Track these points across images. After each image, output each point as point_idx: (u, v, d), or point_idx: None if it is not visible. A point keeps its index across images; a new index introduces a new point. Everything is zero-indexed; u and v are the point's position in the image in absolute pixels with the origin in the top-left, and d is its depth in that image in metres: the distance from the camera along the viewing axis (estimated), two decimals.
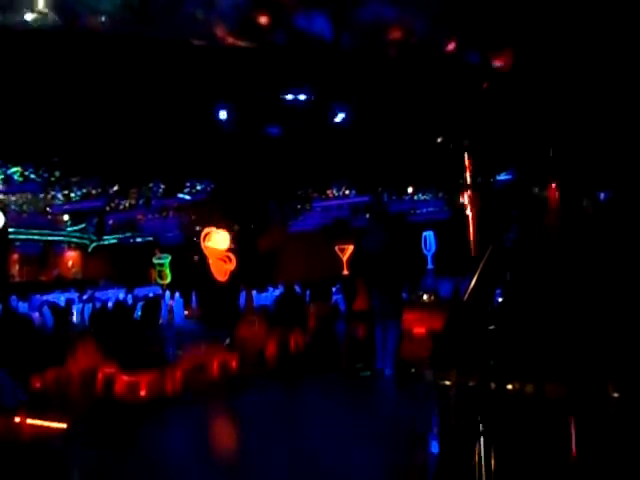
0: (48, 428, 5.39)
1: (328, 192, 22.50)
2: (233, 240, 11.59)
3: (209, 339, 8.05)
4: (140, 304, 10.07)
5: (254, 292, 12.26)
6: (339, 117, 12.08)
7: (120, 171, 19.11)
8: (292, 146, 15.03)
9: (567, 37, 6.41)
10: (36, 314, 9.15)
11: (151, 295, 13.97)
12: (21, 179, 19.39)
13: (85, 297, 13.62)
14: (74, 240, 23.09)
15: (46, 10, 5.11)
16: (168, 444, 5.17)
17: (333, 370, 7.96)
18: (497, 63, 6.94)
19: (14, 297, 12.12)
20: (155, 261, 17.74)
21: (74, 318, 9.89)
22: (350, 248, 19.65)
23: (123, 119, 13.66)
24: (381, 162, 17.60)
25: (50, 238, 21.75)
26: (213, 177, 21.25)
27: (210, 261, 11.42)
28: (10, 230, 19.05)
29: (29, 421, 5.44)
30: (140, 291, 15.38)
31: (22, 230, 20.30)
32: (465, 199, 13.40)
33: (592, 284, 3.23)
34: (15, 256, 20.78)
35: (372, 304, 7.41)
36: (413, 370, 7.07)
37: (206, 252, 11.45)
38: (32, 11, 5.26)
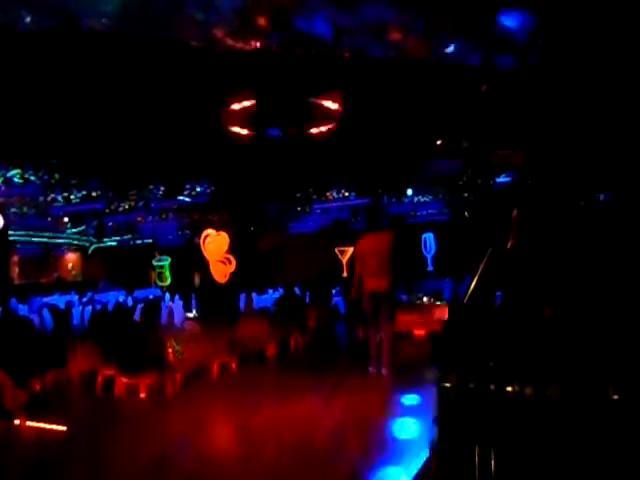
0: (48, 430, 5.39)
1: (328, 194, 22.55)
2: (233, 242, 11.58)
3: (209, 340, 8.05)
4: (140, 306, 10.07)
5: (254, 294, 12.27)
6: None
7: (120, 174, 19.15)
8: (292, 148, 15.05)
9: (567, 39, 6.43)
10: (36, 316, 9.15)
11: (151, 297, 13.97)
12: (21, 181, 19.43)
13: (85, 299, 13.62)
14: (74, 242, 23.10)
15: None
16: (168, 446, 5.17)
17: (333, 371, 7.97)
18: None
19: (14, 299, 12.12)
20: (155, 263, 17.74)
21: (75, 320, 9.89)
22: (350, 250, 19.65)
23: (123, 122, 13.68)
24: (381, 164, 17.63)
25: (50, 240, 21.75)
26: (213, 179, 21.33)
27: (210, 263, 11.42)
28: (10, 232, 19.05)
29: (29, 423, 5.44)
30: (140, 293, 15.38)
31: (22, 232, 20.31)
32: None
33: (592, 284, 3.24)
34: (15, 258, 20.78)
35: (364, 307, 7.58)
36: (412, 372, 7.07)
37: (206, 254, 11.45)
38: None
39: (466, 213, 20.63)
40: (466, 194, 20.73)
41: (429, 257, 18.73)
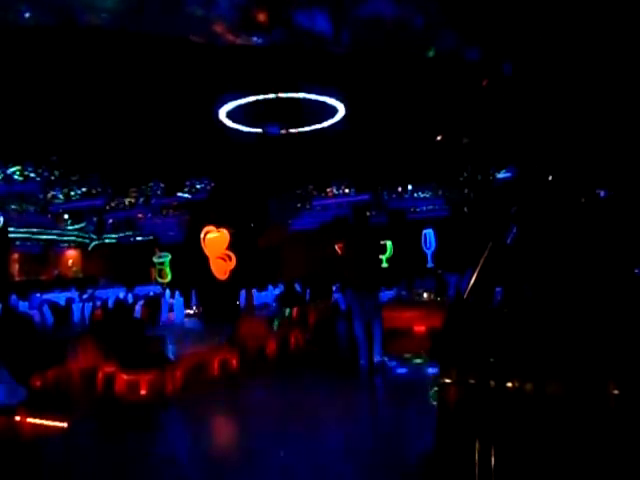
0: (48, 427, 5.39)
1: (328, 190, 22.55)
2: (233, 239, 11.55)
3: (209, 337, 8.05)
4: (140, 303, 10.08)
5: (254, 291, 12.27)
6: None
7: (120, 170, 19.15)
8: (293, 145, 15.02)
9: (566, 39, 6.41)
10: (36, 313, 9.15)
11: (151, 294, 13.96)
12: (21, 178, 19.43)
13: (85, 296, 13.62)
14: (74, 239, 23.10)
15: None
16: (168, 443, 5.18)
17: (333, 367, 7.96)
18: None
19: (14, 296, 12.12)
20: (155, 260, 17.72)
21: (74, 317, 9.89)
22: None
23: (123, 118, 13.67)
24: (381, 160, 17.60)
25: (50, 237, 21.75)
26: (213, 176, 21.32)
27: (210, 260, 11.40)
28: (10, 229, 19.05)
29: (29, 420, 5.44)
30: (140, 290, 15.37)
31: (22, 229, 20.31)
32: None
33: (592, 281, 3.23)
34: (15, 255, 20.78)
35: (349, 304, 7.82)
36: (413, 364, 7.09)
37: (206, 251, 11.42)
38: None
39: (465, 209, 20.61)
40: (466, 190, 20.71)
41: (429, 253, 18.68)
